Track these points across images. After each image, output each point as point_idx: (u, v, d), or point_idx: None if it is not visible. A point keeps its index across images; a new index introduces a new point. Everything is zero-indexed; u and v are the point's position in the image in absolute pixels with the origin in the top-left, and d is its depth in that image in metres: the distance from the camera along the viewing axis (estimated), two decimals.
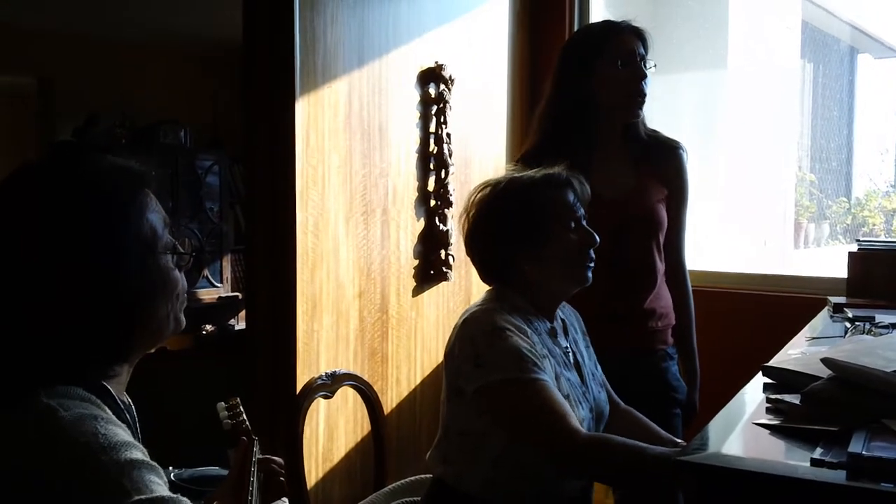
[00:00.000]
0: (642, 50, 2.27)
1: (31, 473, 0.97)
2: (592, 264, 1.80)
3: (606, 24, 2.33)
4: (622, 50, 2.24)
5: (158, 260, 1.15)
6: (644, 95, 2.26)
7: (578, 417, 1.71)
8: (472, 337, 1.70)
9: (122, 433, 1.03)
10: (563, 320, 1.89)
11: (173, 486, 1.05)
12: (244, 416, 1.60)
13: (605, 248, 2.06)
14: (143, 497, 0.97)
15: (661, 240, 2.30)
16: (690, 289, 2.41)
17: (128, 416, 1.17)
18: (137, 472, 0.99)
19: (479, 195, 1.82)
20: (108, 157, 1.17)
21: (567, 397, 1.70)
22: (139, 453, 1.02)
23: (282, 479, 1.61)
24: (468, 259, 2.98)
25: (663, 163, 2.34)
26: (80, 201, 1.10)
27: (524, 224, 1.75)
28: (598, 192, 2.19)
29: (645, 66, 2.26)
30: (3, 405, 1.04)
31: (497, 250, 1.78)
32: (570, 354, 1.84)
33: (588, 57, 2.26)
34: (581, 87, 2.26)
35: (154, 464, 1.02)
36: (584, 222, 1.80)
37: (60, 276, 1.07)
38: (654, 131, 2.38)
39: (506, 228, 1.76)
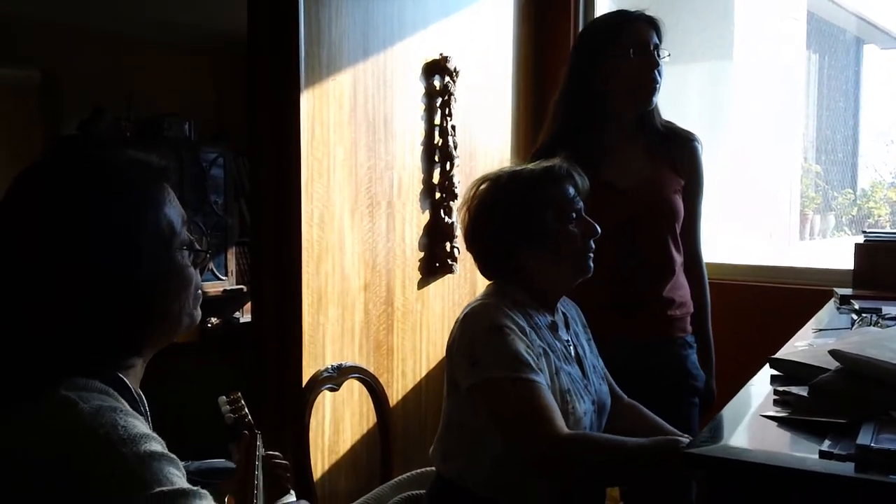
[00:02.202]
0: (656, 39, 2.26)
1: (51, 464, 0.98)
2: (592, 254, 1.79)
3: (620, 14, 2.32)
4: (635, 40, 2.24)
5: (174, 256, 1.15)
6: (656, 85, 2.25)
7: (580, 410, 1.72)
8: (470, 333, 1.70)
9: (140, 425, 1.03)
10: (564, 314, 1.89)
11: None
12: (246, 409, 1.60)
13: (621, 238, 2.07)
14: (164, 489, 0.97)
15: (678, 230, 2.30)
16: (707, 278, 2.42)
17: (142, 408, 1.17)
18: (157, 463, 0.99)
19: (478, 189, 1.81)
20: (128, 151, 1.17)
21: (567, 391, 1.71)
22: (158, 445, 1.02)
23: (287, 474, 1.62)
24: None
25: (678, 154, 2.34)
26: (97, 196, 1.10)
27: (525, 219, 1.74)
28: (612, 181, 2.20)
29: (659, 56, 2.26)
30: (21, 397, 1.04)
31: (498, 245, 1.78)
32: (572, 347, 1.84)
33: (601, 47, 2.27)
34: (594, 76, 2.26)
35: (173, 456, 1.02)
36: (583, 213, 1.79)
37: (76, 270, 1.07)
38: (669, 122, 2.37)
39: (507, 223, 1.75)
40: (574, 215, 1.77)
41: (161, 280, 1.13)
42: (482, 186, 1.81)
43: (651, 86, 2.25)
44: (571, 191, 1.78)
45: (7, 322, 1.08)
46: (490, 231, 1.78)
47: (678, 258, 2.30)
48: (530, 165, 1.81)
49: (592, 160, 2.17)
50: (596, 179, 2.10)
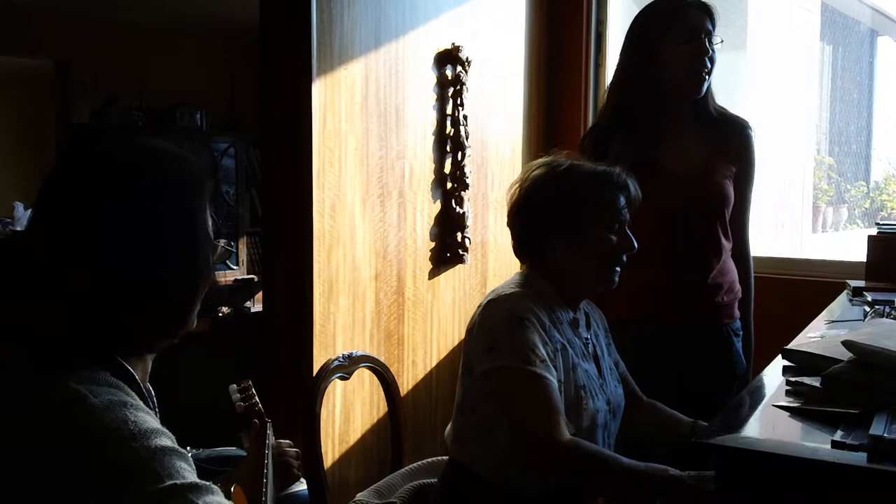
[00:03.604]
0: (709, 26, 2.25)
1: (61, 460, 0.98)
2: (619, 269, 1.80)
3: (673, 1, 2.31)
4: (686, 26, 2.23)
5: (210, 254, 1.18)
6: (707, 72, 2.25)
7: (593, 407, 1.74)
8: (493, 318, 1.72)
9: (150, 420, 1.03)
10: (586, 313, 1.91)
11: None
12: (256, 398, 1.60)
13: (672, 223, 2.07)
14: (177, 482, 0.98)
15: (727, 217, 2.31)
16: (752, 267, 2.43)
17: (150, 402, 1.17)
18: (168, 458, 1.00)
19: (535, 172, 1.83)
20: (179, 148, 1.18)
21: (582, 387, 1.73)
22: (168, 441, 1.02)
23: (297, 461, 1.62)
24: (484, 242, 2.99)
25: (732, 141, 2.34)
26: (167, 187, 1.13)
27: (568, 212, 1.76)
28: (667, 167, 2.22)
29: (711, 42, 2.25)
30: (32, 387, 1.05)
31: (535, 228, 1.80)
32: (590, 346, 1.86)
33: (653, 34, 2.27)
34: (646, 64, 2.27)
35: (183, 451, 1.03)
36: (626, 228, 1.80)
37: (123, 266, 1.08)
38: (723, 108, 2.37)
39: (550, 210, 1.78)
40: (617, 225, 1.78)
41: (207, 274, 1.16)
42: (537, 170, 1.83)
43: (701, 74, 2.24)
44: (622, 200, 1.79)
45: (39, 309, 1.09)
46: (532, 213, 1.80)
47: (727, 244, 2.32)
48: (590, 164, 1.83)
49: (648, 145, 2.19)
50: (650, 164, 2.10)
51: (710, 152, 2.30)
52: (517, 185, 1.85)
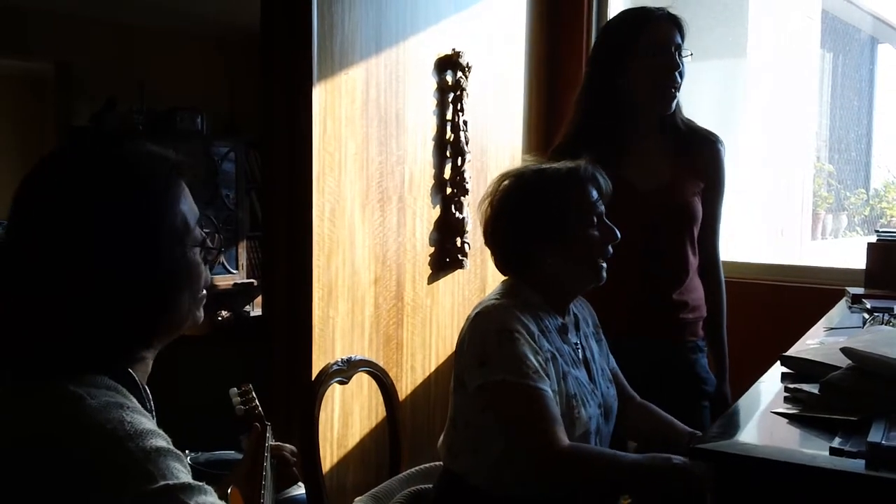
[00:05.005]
0: (678, 39, 2.20)
1: (57, 459, 0.98)
2: (605, 263, 1.79)
3: (642, 12, 2.26)
4: (656, 40, 2.18)
5: (187, 253, 1.15)
6: (677, 87, 2.20)
7: (585, 416, 1.73)
8: (482, 333, 1.71)
9: (146, 422, 1.04)
10: (575, 314, 1.89)
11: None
12: (256, 401, 1.61)
13: (638, 239, 2.06)
14: (169, 483, 0.98)
15: (695, 233, 2.27)
16: (724, 282, 2.39)
17: (148, 404, 1.17)
18: (163, 459, 1.00)
19: (502, 184, 1.81)
20: (145, 145, 1.17)
21: (574, 396, 1.72)
22: (163, 441, 1.03)
23: (294, 467, 1.62)
24: (484, 247, 2.98)
25: (700, 156, 2.29)
26: (114, 190, 1.10)
27: (545, 218, 1.74)
28: (633, 183, 2.18)
29: (680, 56, 2.20)
30: (29, 391, 1.05)
31: (516, 241, 1.78)
32: (580, 351, 1.84)
33: (622, 46, 2.21)
34: (614, 77, 2.22)
35: (178, 452, 1.03)
36: (604, 218, 1.79)
37: (90, 264, 1.07)
38: (691, 122, 2.32)
39: (526, 221, 1.76)
40: (595, 219, 1.77)
41: (174, 276, 1.13)
42: (506, 182, 1.81)
43: (670, 89, 2.20)
44: (594, 193, 1.78)
45: (19, 315, 1.09)
46: (510, 227, 1.78)
47: (693, 261, 2.28)
48: (555, 165, 1.80)
49: (613, 159, 2.15)
50: (616, 179, 2.09)
51: (678, 167, 2.26)
52: (488, 199, 1.82)
